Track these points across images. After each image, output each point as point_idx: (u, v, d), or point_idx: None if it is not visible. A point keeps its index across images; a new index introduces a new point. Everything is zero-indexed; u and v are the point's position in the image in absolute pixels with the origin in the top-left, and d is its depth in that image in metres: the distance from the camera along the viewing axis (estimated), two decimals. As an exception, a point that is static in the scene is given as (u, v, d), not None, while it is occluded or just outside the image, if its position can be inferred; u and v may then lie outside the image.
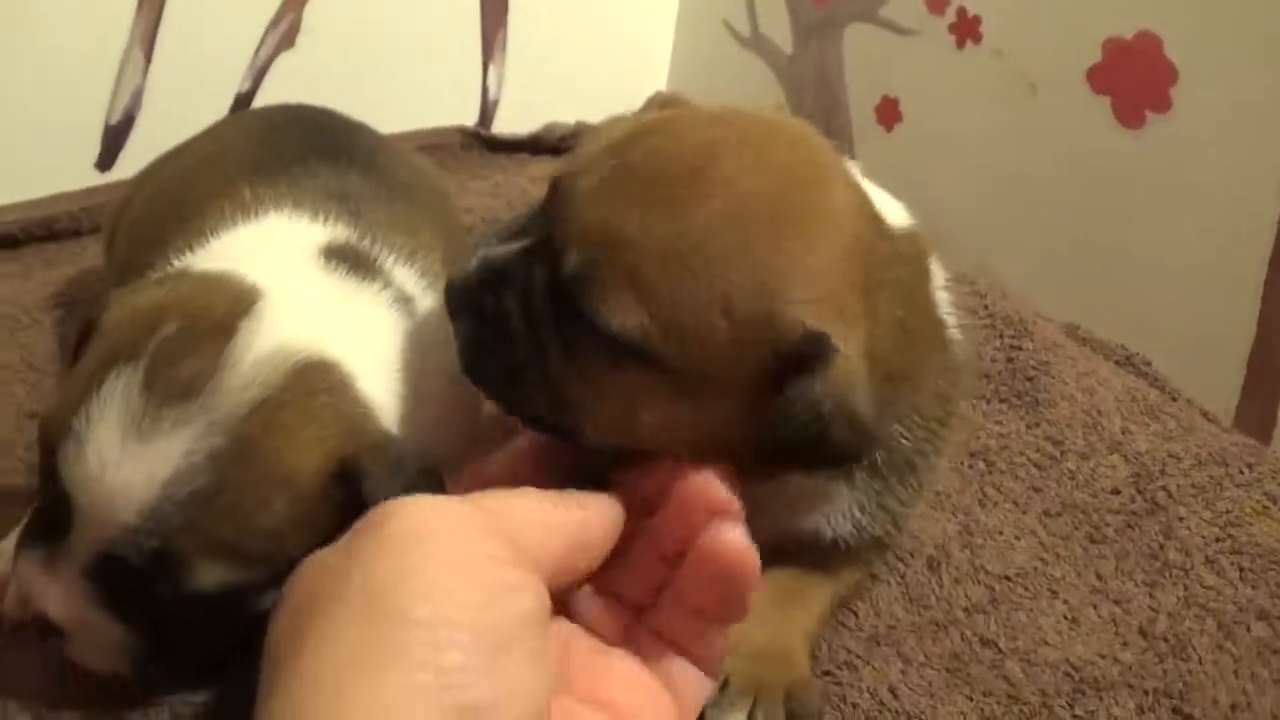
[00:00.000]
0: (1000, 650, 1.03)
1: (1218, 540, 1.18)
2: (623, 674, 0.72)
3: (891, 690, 0.99)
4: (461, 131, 1.87)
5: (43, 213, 1.53)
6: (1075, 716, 0.99)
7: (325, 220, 0.92)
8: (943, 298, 0.92)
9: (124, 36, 1.57)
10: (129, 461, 0.71)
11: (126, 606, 0.75)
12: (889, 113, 1.72)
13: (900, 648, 1.02)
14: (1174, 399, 1.39)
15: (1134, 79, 1.41)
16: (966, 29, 1.57)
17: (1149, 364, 1.43)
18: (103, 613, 0.75)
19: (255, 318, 0.76)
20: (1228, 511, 1.20)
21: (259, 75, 1.69)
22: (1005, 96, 1.55)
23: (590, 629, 0.74)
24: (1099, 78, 1.44)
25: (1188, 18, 1.35)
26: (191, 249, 0.91)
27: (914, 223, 0.88)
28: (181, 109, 1.36)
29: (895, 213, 0.86)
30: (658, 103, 1.79)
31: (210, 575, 0.73)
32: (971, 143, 1.62)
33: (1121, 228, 1.46)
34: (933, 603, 1.07)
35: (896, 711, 0.97)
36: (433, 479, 0.77)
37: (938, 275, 0.92)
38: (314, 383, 0.76)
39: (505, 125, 1.93)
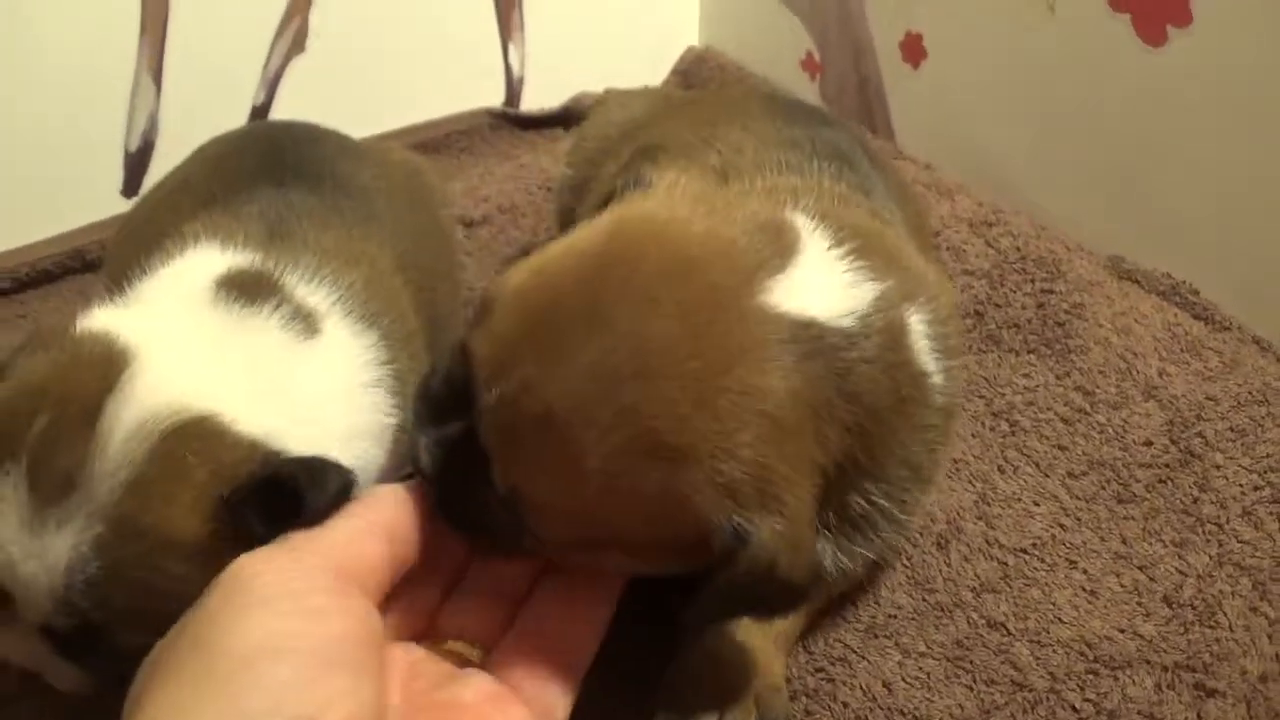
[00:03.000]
0: (1009, 632, 0.99)
1: (1256, 489, 1.10)
2: (473, 699, 0.72)
3: (886, 685, 0.95)
4: (489, 113, 1.84)
5: (73, 245, 1.55)
6: (1086, 701, 0.94)
7: (235, 248, 0.94)
8: (923, 346, 0.84)
9: (131, 64, 1.57)
10: (29, 559, 0.75)
11: (77, 658, 0.80)
12: (914, 50, 1.63)
13: (899, 638, 0.98)
14: (1222, 329, 1.30)
15: (1152, -8, 1.32)
16: (980, -46, 1.49)
17: (1196, 292, 1.35)
18: (59, 660, 0.80)
19: (120, 393, 0.77)
20: (1268, 456, 1.13)
21: (272, 85, 1.67)
22: (1024, 21, 1.45)
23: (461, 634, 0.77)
24: (1117, -6, 1.35)
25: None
26: (138, 283, 0.93)
27: (880, 290, 0.80)
28: (198, 128, 1.34)
29: (850, 297, 0.79)
30: (691, 58, 1.75)
31: (133, 639, 0.74)
32: (998, 74, 1.53)
33: (1157, 150, 1.36)
34: (939, 585, 1.02)
35: (889, 709, 0.94)
36: (326, 474, 0.76)
37: (917, 325, 0.84)
38: (182, 445, 0.77)
39: (536, 101, 1.89)
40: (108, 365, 0.79)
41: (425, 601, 0.77)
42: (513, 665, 0.74)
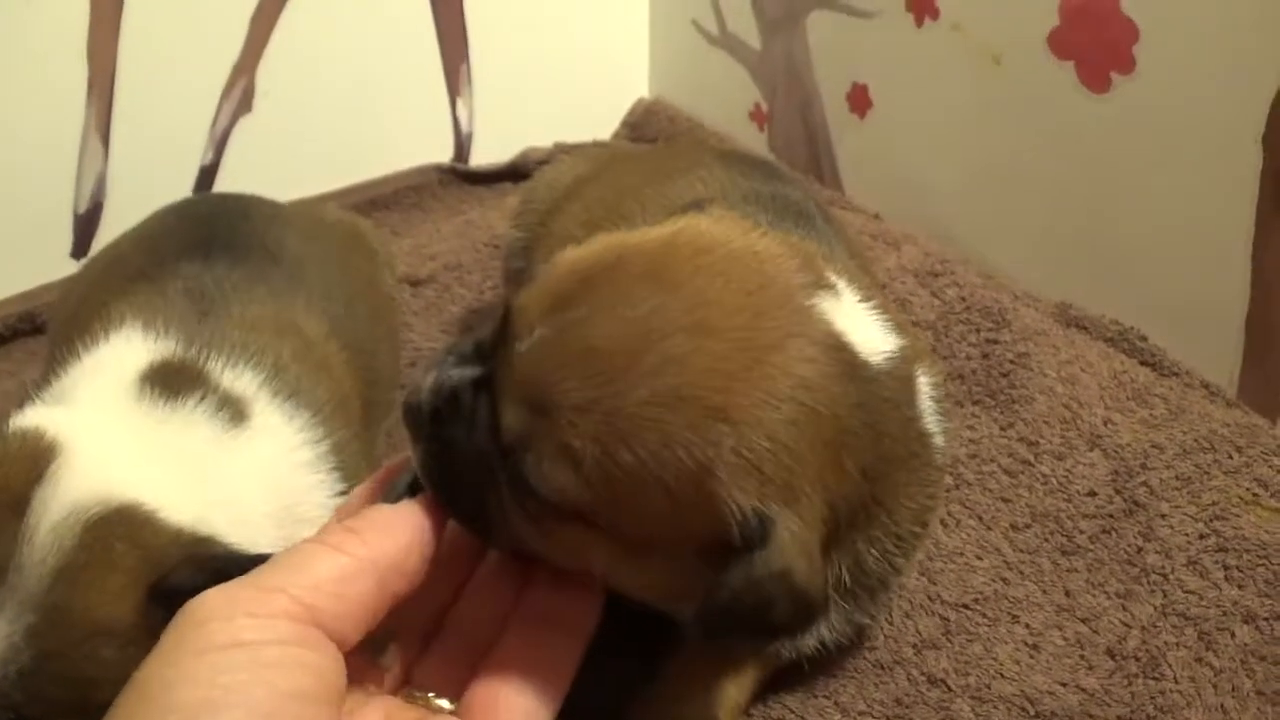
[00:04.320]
0: (949, 689, 0.97)
1: (1201, 538, 1.10)
2: None
3: (824, 748, 0.94)
4: (438, 169, 1.85)
5: (24, 307, 1.54)
6: (1025, 758, 0.93)
7: (160, 335, 0.95)
8: (929, 407, 0.85)
9: (78, 127, 1.57)
10: None
11: None
12: (860, 100, 1.64)
13: (838, 697, 0.97)
14: (1169, 374, 1.30)
15: (1094, 41, 1.32)
16: (923, 5, 1.49)
17: (1144, 339, 1.34)
18: None
19: (48, 484, 0.79)
20: (1214, 504, 1.12)
21: (220, 145, 1.67)
22: (969, 72, 1.46)
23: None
24: (1059, 43, 1.35)
25: (1141, -32, 1.27)
26: (66, 371, 0.95)
27: (901, 344, 0.81)
28: (147, 189, 1.35)
29: (880, 339, 0.79)
30: (641, 110, 1.76)
31: None
32: (943, 124, 1.54)
33: (1102, 197, 1.37)
34: (879, 642, 1.01)
35: (827, 771, 0.93)
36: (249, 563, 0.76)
37: (924, 386, 0.84)
38: (109, 533, 0.78)
39: (485, 156, 1.89)
40: (35, 459, 0.80)
41: (402, 657, 0.75)
42: (485, 704, 0.72)
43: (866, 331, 0.78)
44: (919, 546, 0.87)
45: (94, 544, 0.77)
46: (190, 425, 0.89)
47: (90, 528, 0.77)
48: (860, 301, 0.80)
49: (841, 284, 0.79)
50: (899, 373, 0.79)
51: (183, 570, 0.77)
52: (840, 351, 0.73)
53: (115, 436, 0.85)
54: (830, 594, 0.81)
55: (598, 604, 0.77)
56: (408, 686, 0.74)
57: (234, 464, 0.88)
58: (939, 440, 0.85)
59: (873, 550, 0.82)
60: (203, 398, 0.90)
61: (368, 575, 0.67)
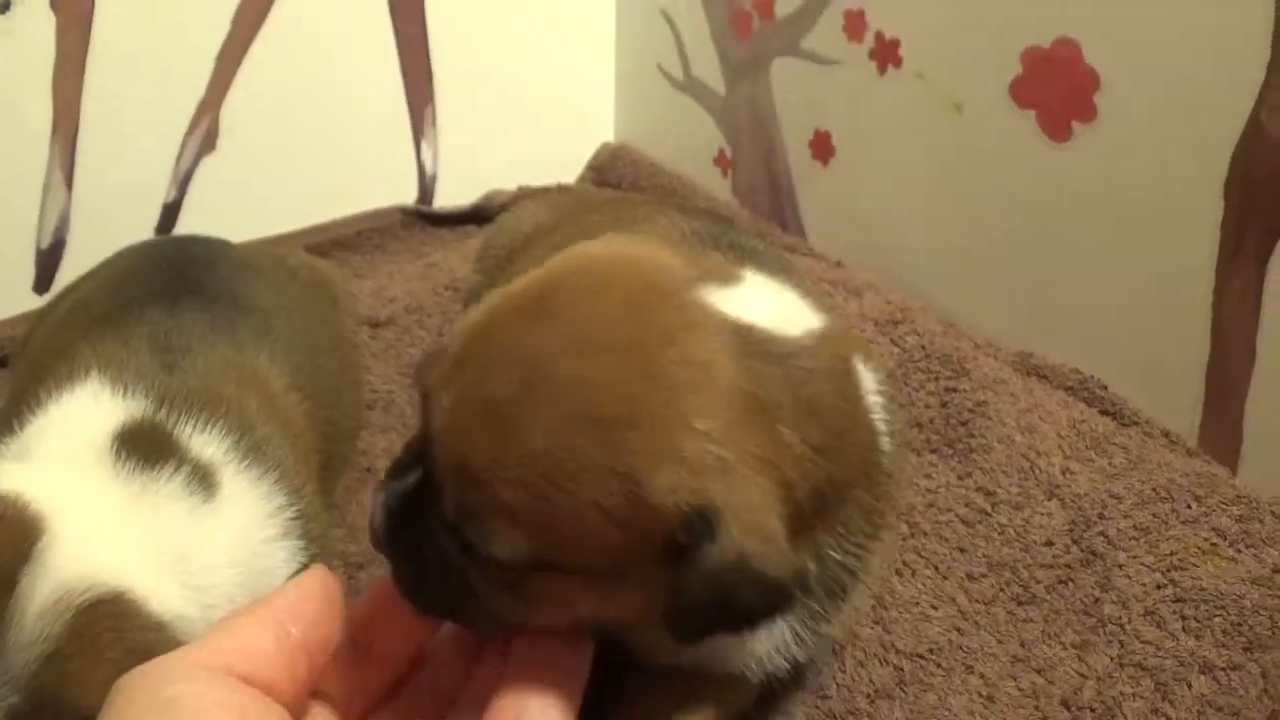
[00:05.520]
0: (903, 741, 0.97)
1: (1159, 588, 1.09)
2: None
3: (772, 802, 0.93)
4: (402, 210, 1.85)
5: (-16, 340, 1.53)
6: (978, 812, 0.92)
7: (128, 391, 0.93)
8: (875, 403, 0.83)
9: (43, 163, 1.57)
10: None
11: None
12: (823, 147, 1.65)
13: (790, 751, 0.96)
14: (1129, 424, 1.30)
15: (1056, 89, 1.33)
16: (886, 53, 1.50)
17: (1104, 388, 1.34)
18: None
19: (35, 563, 0.78)
20: (1171, 554, 1.12)
21: (184, 183, 1.66)
22: (932, 120, 1.47)
23: None
24: (1021, 91, 1.36)
25: (1104, 20, 1.27)
26: (32, 418, 0.93)
27: (826, 326, 0.80)
28: (110, 226, 1.35)
29: (797, 316, 0.78)
30: (605, 154, 1.76)
31: None
32: (905, 172, 1.55)
33: (1063, 245, 1.37)
34: (833, 692, 1.01)
35: (774, 828, 0.92)
36: None
37: (868, 379, 0.83)
38: (98, 624, 0.77)
39: (450, 198, 1.89)
40: (20, 534, 0.79)
41: None
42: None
43: (779, 309, 0.77)
44: (871, 556, 0.85)
45: (82, 632, 0.76)
46: (166, 499, 0.88)
47: (79, 614, 0.76)
48: (776, 285, 0.81)
49: (748, 273, 0.79)
50: (827, 358, 0.77)
51: None
52: (742, 333, 0.73)
53: (98, 510, 0.84)
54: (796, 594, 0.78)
55: (588, 651, 0.75)
56: None
57: (207, 541, 0.88)
58: (885, 441, 0.84)
59: (832, 544, 0.80)
60: (176, 468, 0.89)
61: (267, 622, 0.68)
